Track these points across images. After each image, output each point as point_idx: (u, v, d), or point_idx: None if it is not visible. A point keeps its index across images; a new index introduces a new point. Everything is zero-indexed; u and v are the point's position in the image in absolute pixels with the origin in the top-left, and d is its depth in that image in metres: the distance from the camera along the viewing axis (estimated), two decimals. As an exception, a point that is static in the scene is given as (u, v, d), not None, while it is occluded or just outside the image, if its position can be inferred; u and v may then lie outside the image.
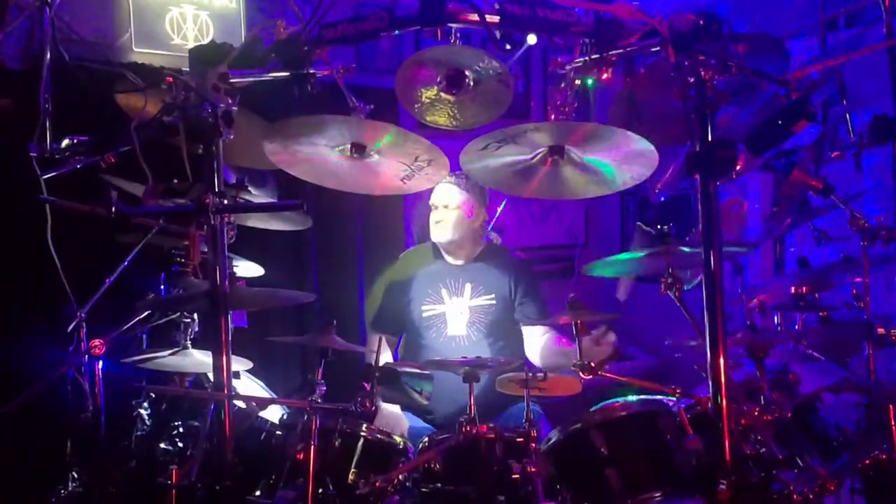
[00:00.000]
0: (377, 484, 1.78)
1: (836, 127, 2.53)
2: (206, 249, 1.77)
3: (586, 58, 1.78)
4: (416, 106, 2.13)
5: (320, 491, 1.81)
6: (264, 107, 2.05)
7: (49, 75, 2.02)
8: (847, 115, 2.51)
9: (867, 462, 1.99)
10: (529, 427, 1.96)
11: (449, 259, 2.96)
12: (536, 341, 2.91)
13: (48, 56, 2.05)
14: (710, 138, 1.61)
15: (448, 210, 2.85)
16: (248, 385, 2.53)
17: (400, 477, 1.89)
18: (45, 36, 2.11)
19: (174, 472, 1.81)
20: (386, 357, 2.87)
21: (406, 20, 1.78)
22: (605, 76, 1.80)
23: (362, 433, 2.07)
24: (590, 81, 1.84)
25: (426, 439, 2.14)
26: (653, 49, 1.70)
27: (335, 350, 2.08)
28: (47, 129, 1.91)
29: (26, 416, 1.95)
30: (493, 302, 2.88)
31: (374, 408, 1.89)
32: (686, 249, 2.01)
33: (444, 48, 2.01)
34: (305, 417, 1.86)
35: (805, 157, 2.43)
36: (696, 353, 1.71)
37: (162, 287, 2.33)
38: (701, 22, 1.63)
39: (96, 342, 2.03)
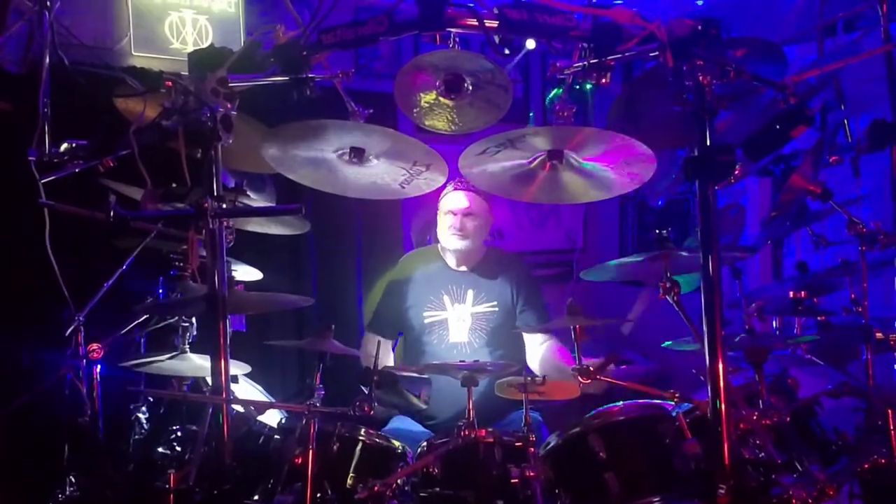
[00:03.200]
0: (376, 488, 1.77)
1: (835, 132, 2.53)
2: (204, 253, 1.77)
3: (585, 62, 1.78)
4: (414, 110, 2.13)
5: (318, 495, 1.80)
6: (263, 111, 2.05)
7: (48, 79, 2.02)
8: (845, 120, 2.51)
9: (866, 466, 1.99)
10: (528, 431, 1.96)
11: (452, 265, 2.95)
12: (536, 350, 2.91)
13: (47, 60, 2.05)
14: (708, 143, 1.61)
15: (471, 218, 2.85)
16: (247, 389, 2.53)
17: (399, 481, 1.88)
18: (44, 40, 2.12)
19: (172, 476, 1.80)
20: (385, 361, 2.87)
21: (405, 25, 1.78)
22: (603, 81, 1.80)
23: (361, 437, 2.06)
24: (588, 86, 1.84)
25: (425, 444, 2.13)
26: (651, 54, 1.70)
27: (333, 354, 2.08)
28: (46, 133, 1.92)
29: (24, 419, 1.95)
30: (496, 309, 2.88)
31: (372, 412, 1.88)
32: (684, 254, 2.01)
33: (443, 53, 2.01)
34: (304, 421, 1.85)
35: (803, 161, 2.44)
36: (695, 358, 1.71)
37: (160, 291, 2.32)
38: (699, 27, 1.63)
39: (94, 346, 2.03)
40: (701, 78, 1.60)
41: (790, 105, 1.70)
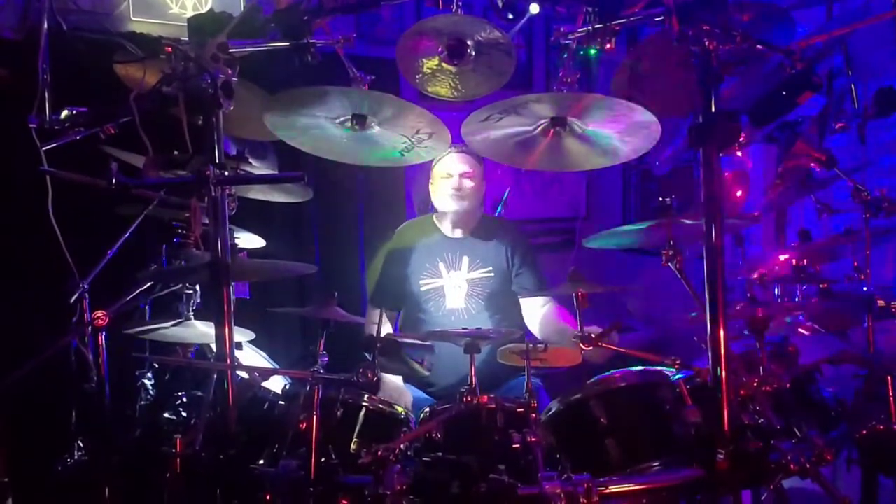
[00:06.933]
0: (379, 453, 1.79)
1: (841, 98, 2.51)
2: (207, 221, 1.77)
3: (589, 27, 1.75)
4: (417, 77, 2.11)
5: (323, 460, 1.82)
6: (264, 77, 2.03)
7: (47, 45, 2.00)
8: (852, 87, 2.49)
9: (864, 432, 2.01)
10: (530, 397, 1.97)
11: (448, 231, 2.95)
12: (536, 313, 2.92)
13: (45, 26, 2.03)
14: (713, 109, 1.60)
15: (468, 179, 2.86)
16: (251, 356, 2.55)
17: (402, 446, 1.91)
18: (41, 5, 2.09)
19: (178, 441, 1.83)
20: (386, 330, 2.88)
21: (407, -11, 1.75)
22: (608, 46, 1.78)
23: (364, 403, 2.08)
24: (592, 52, 1.82)
25: (427, 410, 2.16)
26: (656, 19, 1.68)
27: (336, 321, 2.09)
28: (46, 100, 1.90)
29: (31, 386, 1.97)
30: (491, 275, 2.89)
31: (375, 378, 1.90)
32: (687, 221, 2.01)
33: (446, 18, 1.98)
34: (308, 388, 1.87)
35: (809, 128, 2.42)
36: (697, 325, 1.72)
37: (163, 259, 2.33)
38: (705, -9, 1.61)
39: (99, 313, 2.04)
40: (706, 43, 1.58)
41: (797, 70, 1.68)
